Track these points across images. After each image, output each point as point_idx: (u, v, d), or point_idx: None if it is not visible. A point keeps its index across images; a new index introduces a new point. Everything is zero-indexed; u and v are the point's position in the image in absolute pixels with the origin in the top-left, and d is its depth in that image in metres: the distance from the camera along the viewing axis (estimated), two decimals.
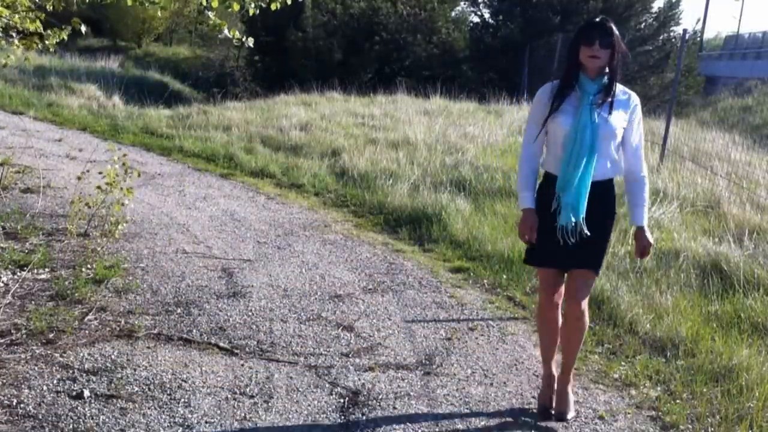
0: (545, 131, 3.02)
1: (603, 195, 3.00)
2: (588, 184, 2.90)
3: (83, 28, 4.85)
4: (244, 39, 5.10)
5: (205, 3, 4.71)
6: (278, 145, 9.31)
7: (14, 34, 4.98)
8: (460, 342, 3.82)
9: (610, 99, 2.91)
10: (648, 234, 3.04)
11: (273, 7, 4.84)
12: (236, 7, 4.74)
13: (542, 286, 3.13)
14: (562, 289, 3.10)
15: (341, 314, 4.09)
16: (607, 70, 2.91)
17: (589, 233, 2.93)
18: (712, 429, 3.12)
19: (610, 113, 2.90)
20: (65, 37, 5.19)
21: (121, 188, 5.11)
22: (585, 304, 3.04)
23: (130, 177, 5.23)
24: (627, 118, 2.97)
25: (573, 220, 2.91)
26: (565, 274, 3.09)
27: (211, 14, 4.80)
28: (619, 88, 2.97)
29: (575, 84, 2.93)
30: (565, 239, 2.94)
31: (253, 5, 4.86)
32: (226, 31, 4.92)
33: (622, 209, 4.15)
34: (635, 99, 3.03)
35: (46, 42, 5.04)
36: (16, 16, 4.79)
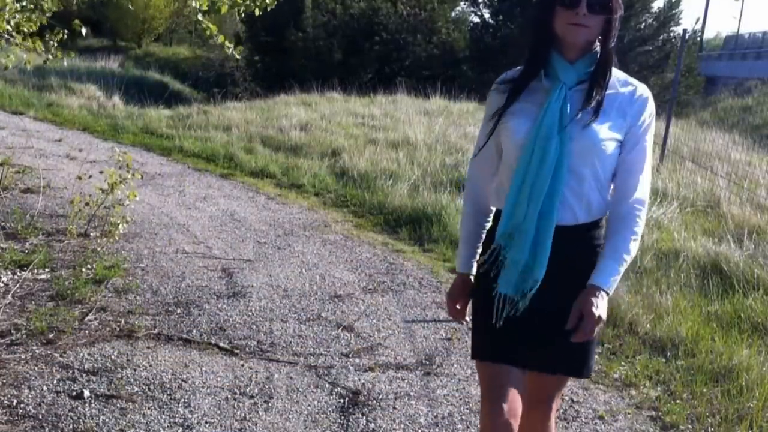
0: (497, 144, 1.96)
1: (582, 247, 1.90)
2: (550, 228, 1.83)
3: (83, 30, 4.86)
4: (233, 47, 5.12)
5: (194, 4, 4.72)
6: (278, 145, 9.31)
7: (14, 35, 4.98)
8: (460, 342, 3.82)
9: (598, 94, 1.83)
10: (598, 300, 1.79)
11: (257, 13, 4.88)
12: (224, 9, 4.76)
13: (485, 393, 1.95)
14: (518, 398, 1.91)
15: (341, 314, 4.09)
16: (597, 47, 1.85)
17: (557, 309, 1.84)
18: (712, 429, 3.12)
19: (595, 116, 1.81)
20: (65, 38, 5.19)
21: (123, 189, 5.11)
22: (554, 415, 2.07)
23: (132, 177, 5.23)
24: (627, 124, 1.85)
25: (521, 289, 1.86)
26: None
27: (200, 16, 4.81)
28: (618, 76, 1.89)
29: (544, 70, 1.88)
30: (517, 321, 1.87)
31: (242, 9, 4.89)
32: (215, 37, 4.94)
33: None
34: (644, 95, 1.89)
35: (51, 46, 5.03)
36: (16, 16, 4.78)
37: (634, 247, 1.86)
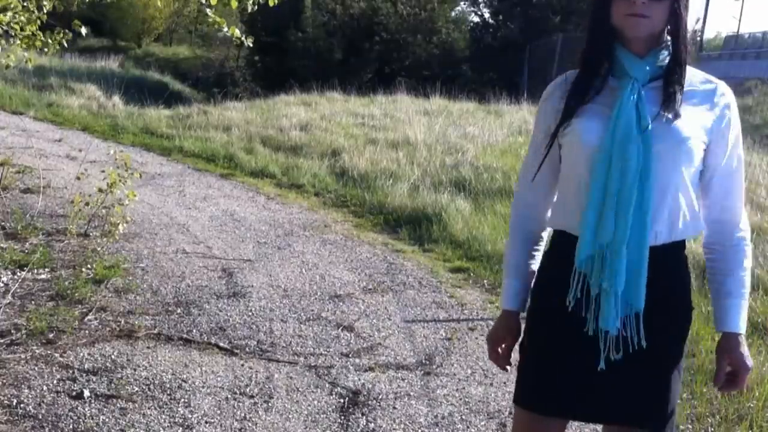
0: (553, 160, 1.69)
1: (667, 272, 1.63)
2: (645, 246, 1.56)
3: (83, 30, 4.86)
4: (244, 38, 5.11)
5: (204, 1, 4.71)
6: (278, 145, 9.32)
7: (14, 35, 4.99)
8: (460, 342, 3.82)
9: (674, 90, 1.59)
10: (744, 348, 1.71)
11: (271, 2, 4.83)
12: (234, 4, 4.74)
13: None
14: None
15: (341, 314, 4.09)
16: (668, 39, 1.61)
17: (645, 345, 1.58)
18: (712, 429, 3.12)
19: (676, 114, 1.57)
20: (65, 42, 5.20)
21: (122, 189, 5.11)
22: None
23: (131, 177, 5.23)
24: (712, 125, 1.61)
25: (623, 315, 1.57)
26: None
27: (210, 12, 4.80)
28: (695, 73, 1.65)
29: (609, 66, 1.63)
30: (600, 360, 1.59)
31: (251, 1, 4.86)
32: (225, 29, 4.92)
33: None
34: (726, 93, 1.65)
35: (49, 44, 5.04)
36: (17, 16, 4.79)
37: (748, 280, 1.70)
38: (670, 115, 1.57)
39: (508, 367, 1.79)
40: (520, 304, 1.75)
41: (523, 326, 1.76)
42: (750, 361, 1.67)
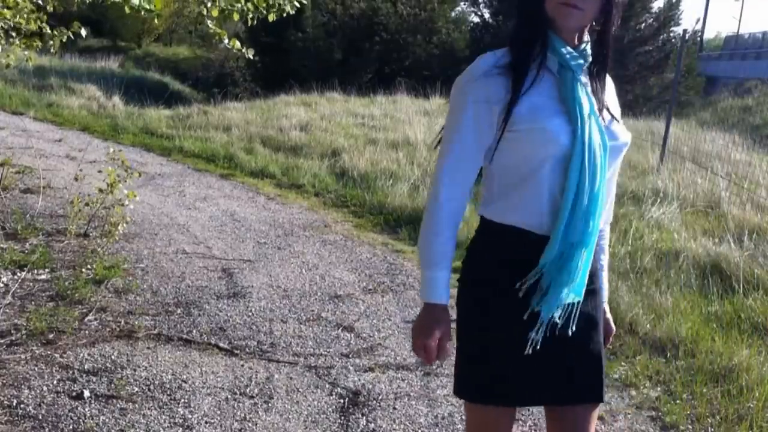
0: (482, 152, 1.65)
1: (593, 262, 1.73)
2: (595, 242, 1.65)
3: (83, 32, 4.86)
4: (244, 50, 5.11)
5: (205, 12, 4.71)
6: (278, 146, 9.31)
7: (14, 34, 4.99)
8: None
9: (603, 85, 1.67)
10: (609, 315, 1.88)
11: (270, 18, 4.85)
12: (236, 16, 4.75)
13: None
14: None
15: (341, 315, 4.09)
16: (587, 35, 1.64)
17: (576, 330, 1.67)
18: (712, 429, 3.12)
19: (607, 110, 1.66)
20: (66, 38, 5.19)
21: (124, 190, 5.11)
22: None
23: (130, 177, 5.22)
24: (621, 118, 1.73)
25: (565, 301, 1.63)
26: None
27: (210, 23, 4.80)
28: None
29: (546, 53, 1.60)
30: (537, 349, 1.63)
31: (250, 15, 4.87)
32: (226, 41, 4.93)
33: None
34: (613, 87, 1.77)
35: (50, 43, 5.04)
36: (18, 16, 4.79)
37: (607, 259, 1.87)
38: (605, 111, 1.63)
39: (437, 362, 1.73)
40: (449, 297, 1.68)
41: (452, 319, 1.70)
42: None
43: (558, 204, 1.58)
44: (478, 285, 1.70)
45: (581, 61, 1.60)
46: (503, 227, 1.66)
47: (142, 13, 4.64)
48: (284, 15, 5.01)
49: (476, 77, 1.62)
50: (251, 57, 5.44)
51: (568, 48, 1.59)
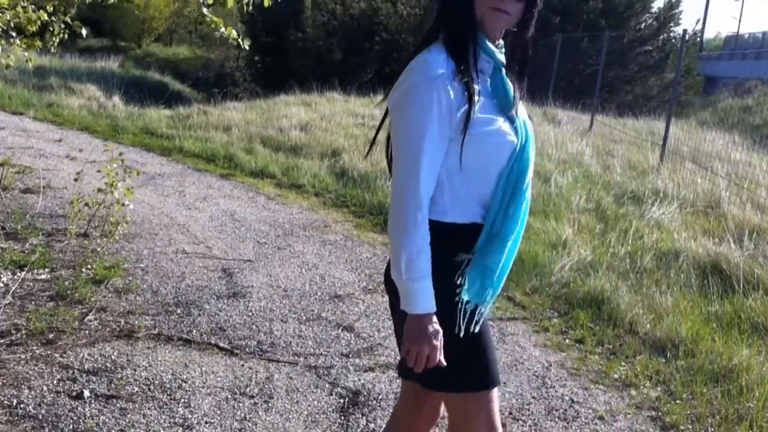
0: (458, 151, 1.66)
1: None
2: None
3: (84, 32, 4.86)
4: (240, 40, 5.10)
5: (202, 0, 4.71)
6: (278, 146, 9.31)
7: (15, 34, 4.99)
8: None
9: (520, 84, 1.79)
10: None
11: (266, 2, 4.83)
12: (231, 2, 4.74)
13: (492, 422, 1.83)
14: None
15: (341, 314, 4.09)
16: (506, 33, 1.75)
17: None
18: (712, 429, 3.12)
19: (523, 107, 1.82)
20: (66, 34, 5.19)
21: (121, 188, 5.11)
22: None
23: (129, 177, 5.23)
24: None
25: (487, 296, 1.75)
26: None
27: (206, 11, 4.80)
28: None
29: (478, 53, 1.70)
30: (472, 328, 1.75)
31: (246, 0, 4.86)
32: (222, 29, 4.92)
33: None
34: None
35: (49, 42, 5.04)
36: (20, 14, 4.78)
37: None
38: (524, 108, 1.77)
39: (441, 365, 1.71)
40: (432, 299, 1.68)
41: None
42: None
43: (505, 194, 1.70)
44: (448, 277, 1.72)
45: (503, 58, 1.73)
46: (457, 225, 1.72)
47: (125, 4, 4.65)
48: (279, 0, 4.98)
49: (433, 78, 1.63)
50: (247, 48, 5.43)
51: (493, 48, 1.72)
